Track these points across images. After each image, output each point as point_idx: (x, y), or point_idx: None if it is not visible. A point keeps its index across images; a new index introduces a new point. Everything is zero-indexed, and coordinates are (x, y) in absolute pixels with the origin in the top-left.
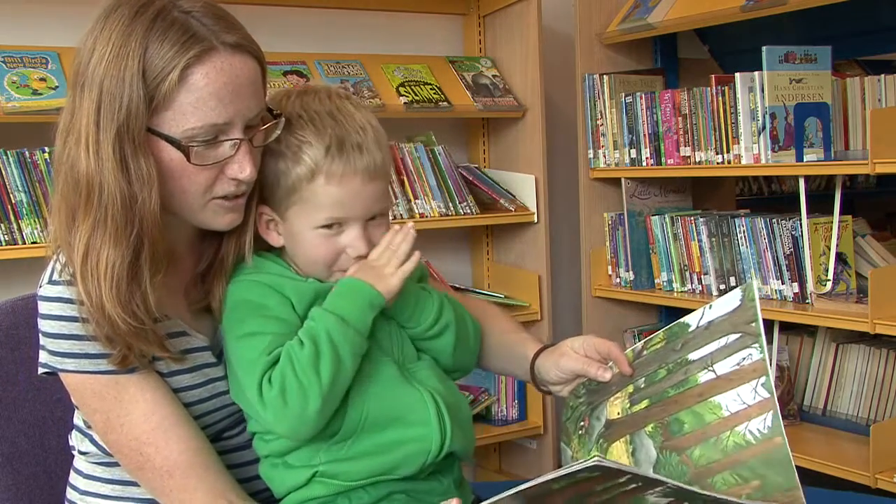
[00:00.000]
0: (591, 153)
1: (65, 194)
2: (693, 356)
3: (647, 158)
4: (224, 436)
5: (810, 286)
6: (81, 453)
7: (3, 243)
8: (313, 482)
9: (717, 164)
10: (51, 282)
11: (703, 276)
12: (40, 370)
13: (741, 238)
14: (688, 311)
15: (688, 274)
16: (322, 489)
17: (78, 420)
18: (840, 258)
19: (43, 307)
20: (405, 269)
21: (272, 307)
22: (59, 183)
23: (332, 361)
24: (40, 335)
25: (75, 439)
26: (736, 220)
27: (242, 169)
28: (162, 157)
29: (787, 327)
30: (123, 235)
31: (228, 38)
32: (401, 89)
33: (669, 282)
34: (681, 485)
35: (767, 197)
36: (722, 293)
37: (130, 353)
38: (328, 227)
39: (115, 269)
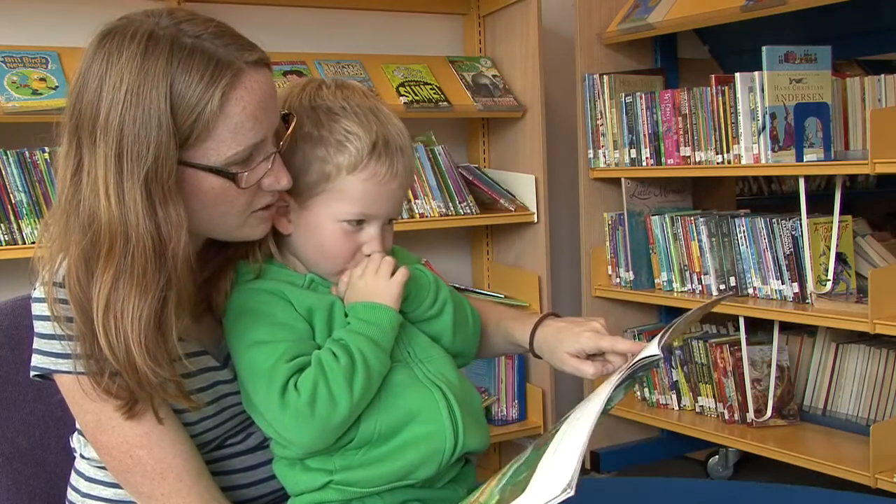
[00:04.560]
0: (591, 153)
1: (81, 245)
2: None
3: (647, 158)
4: (228, 443)
5: (810, 286)
6: (84, 457)
7: (3, 243)
8: (328, 487)
9: (717, 164)
10: (42, 283)
11: (703, 276)
12: (32, 374)
13: (741, 238)
14: (688, 311)
15: (688, 274)
16: (336, 494)
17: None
18: (840, 258)
19: (36, 308)
20: (398, 280)
21: (278, 314)
22: (70, 230)
23: (365, 377)
24: (34, 338)
25: (77, 443)
26: (736, 220)
27: (279, 180)
28: (201, 187)
29: (787, 327)
30: (153, 282)
31: (250, 56)
32: (401, 89)
33: (669, 282)
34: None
35: (767, 197)
36: (721, 293)
37: (138, 404)
38: (352, 222)
39: (142, 320)
